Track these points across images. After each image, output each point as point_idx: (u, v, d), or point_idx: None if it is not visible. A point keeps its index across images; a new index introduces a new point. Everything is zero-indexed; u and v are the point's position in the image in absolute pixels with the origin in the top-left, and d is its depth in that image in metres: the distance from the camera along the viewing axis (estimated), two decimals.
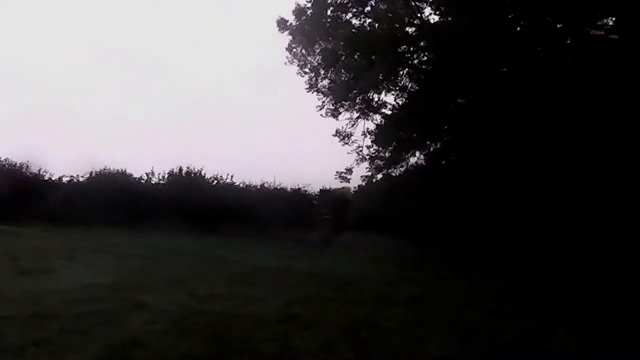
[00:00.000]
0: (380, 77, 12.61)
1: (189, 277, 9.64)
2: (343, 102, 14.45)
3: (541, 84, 12.20)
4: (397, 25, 11.73)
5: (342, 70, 13.88)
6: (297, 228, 18.48)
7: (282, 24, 14.33)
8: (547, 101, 12.29)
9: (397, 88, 13.94)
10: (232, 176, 20.14)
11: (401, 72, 13.58)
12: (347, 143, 14.91)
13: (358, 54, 12.07)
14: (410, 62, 13.47)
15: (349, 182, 15.45)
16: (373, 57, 11.92)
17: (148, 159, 22.10)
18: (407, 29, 12.38)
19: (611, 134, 10.55)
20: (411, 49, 13.07)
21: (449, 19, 12.05)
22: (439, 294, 8.66)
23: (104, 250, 13.10)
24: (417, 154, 15.62)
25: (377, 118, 15.32)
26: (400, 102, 14.90)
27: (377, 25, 11.99)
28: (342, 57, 13.96)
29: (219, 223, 18.57)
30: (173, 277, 9.49)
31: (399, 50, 12.56)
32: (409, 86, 14.57)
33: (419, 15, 12.62)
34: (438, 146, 15.93)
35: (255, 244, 16.12)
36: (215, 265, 11.59)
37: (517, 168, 13.90)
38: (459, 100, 14.55)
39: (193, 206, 18.67)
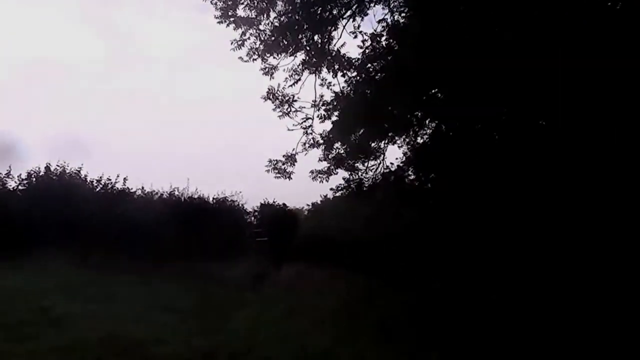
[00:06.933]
0: None
1: None
2: (279, 40, 8.49)
3: None
4: None
5: None
6: (219, 256, 12.28)
7: None
8: None
9: None
10: (125, 179, 13.73)
11: None
12: (287, 113, 8.92)
13: None
14: None
15: (289, 177, 9.50)
16: None
17: None
18: None
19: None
20: None
21: None
22: None
23: None
24: (400, 141, 9.87)
25: (338, 82, 9.47)
26: (373, 52, 9.11)
27: None
28: None
29: (96, 248, 12.12)
30: None
31: None
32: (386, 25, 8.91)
33: None
34: (431, 130, 10.28)
35: (135, 284, 10.00)
36: None
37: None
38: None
39: (60, 222, 12.33)
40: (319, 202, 15.20)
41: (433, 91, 9.94)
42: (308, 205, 15.57)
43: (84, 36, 27.06)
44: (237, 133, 25.35)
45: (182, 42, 29.78)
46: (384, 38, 9.61)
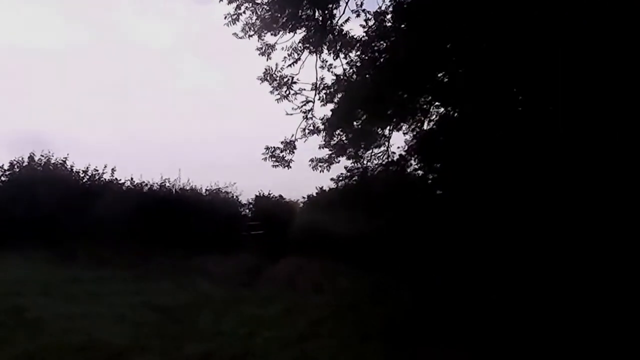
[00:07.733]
0: None
1: None
2: (277, 15, 7.77)
3: None
4: None
5: None
6: (212, 251, 11.63)
7: None
8: None
9: None
10: (113, 170, 12.99)
11: None
12: (285, 95, 8.22)
13: None
14: None
15: (288, 166, 8.80)
16: None
17: None
18: None
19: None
20: None
21: None
22: None
23: None
24: (405, 127, 9.20)
25: (341, 63, 8.79)
26: (377, 31, 8.43)
27: None
28: None
29: (81, 242, 11.40)
30: None
31: None
32: None
33: None
34: (438, 116, 9.65)
35: (122, 281, 9.36)
36: None
37: None
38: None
39: (43, 215, 11.61)
40: (314, 194, 14.58)
41: (440, 74, 9.30)
42: (304, 197, 14.95)
43: (78, 28, 26.15)
44: (232, 124, 24.63)
45: (175, 31, 28.95)
46: (389, 16, 8.95)
